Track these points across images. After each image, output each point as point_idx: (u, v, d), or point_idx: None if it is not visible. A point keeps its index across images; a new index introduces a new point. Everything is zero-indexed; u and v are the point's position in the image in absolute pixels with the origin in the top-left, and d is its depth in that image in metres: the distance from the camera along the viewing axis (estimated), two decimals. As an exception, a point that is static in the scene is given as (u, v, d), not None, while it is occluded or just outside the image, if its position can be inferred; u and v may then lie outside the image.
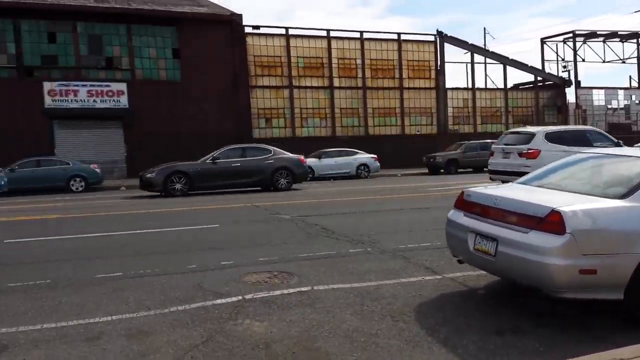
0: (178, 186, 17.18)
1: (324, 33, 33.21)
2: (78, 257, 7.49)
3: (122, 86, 27.57)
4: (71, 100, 26.57)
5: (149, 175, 17.50)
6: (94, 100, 26.96)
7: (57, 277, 6.19)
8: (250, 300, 5.07)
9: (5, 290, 5.67)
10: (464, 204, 5.15)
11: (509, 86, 39.23)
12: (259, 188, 18.47)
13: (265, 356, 3.79)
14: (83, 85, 26.75)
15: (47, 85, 26.18)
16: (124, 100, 27.48)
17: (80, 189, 21.59)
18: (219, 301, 5.05)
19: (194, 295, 5.28)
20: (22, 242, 8.84)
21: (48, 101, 26.19)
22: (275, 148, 19.45)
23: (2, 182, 19.50)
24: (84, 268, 6.69)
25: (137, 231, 9.74)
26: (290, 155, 19.28)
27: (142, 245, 8.33)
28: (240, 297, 5.15)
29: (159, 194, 17.35)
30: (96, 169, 22.45)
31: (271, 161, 18.37)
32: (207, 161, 17.91)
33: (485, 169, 17.59)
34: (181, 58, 28.91)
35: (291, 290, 5.37)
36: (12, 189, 20.48)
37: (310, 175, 23.07)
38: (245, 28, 30.82)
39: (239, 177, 17.93)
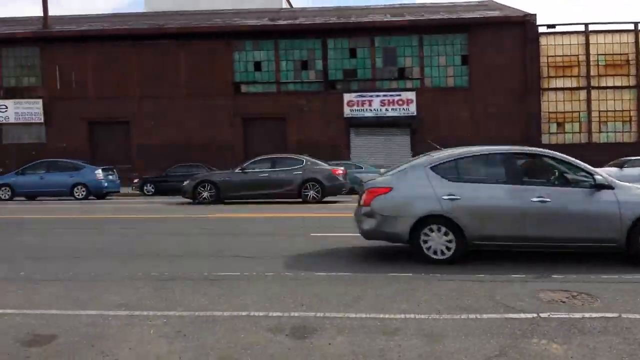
0: (205, 194, 17.59)
1: (631, 27, 29.35)
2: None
3: (411, 95, 28.86)
4: (366, 110, 28.90)
5: (184, 183, 18.34)
6: (386, 109, 28.82)
7: (358, 271, 6.77)
8: (546, 319, 4.74)
9: (316, 280, 6.42)
10: None
11: None
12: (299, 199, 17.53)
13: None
14: (377, 96, 28.86)
15: (347, 97, 28.99)
16: (412, 108, 28.72)
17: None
18: (512, 315, 4.86)
19: (485, 306, 5.17)
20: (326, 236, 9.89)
21: (347, 111, 28.96)
22: (310, 159, 18.61)
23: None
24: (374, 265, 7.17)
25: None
26: (323, 167, 18.24)
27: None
28: (535, 315, 4.86)
29: (191, 201, 17.90)
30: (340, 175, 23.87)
31: (300, 172, 17.67)
32: (237, 171, 18.04)
33: None
34: (470, 64, 28.90)
35: (594, 315, 4.85)
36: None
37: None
38: (539, 28, 29.19)
39: (267, 187, 17.56)
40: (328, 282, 6.24)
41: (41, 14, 32.17)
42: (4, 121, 29.90)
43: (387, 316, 4.88)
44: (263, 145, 29.13)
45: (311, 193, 17.53)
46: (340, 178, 18.04)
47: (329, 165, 18.88)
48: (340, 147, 28.87)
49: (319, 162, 18.64)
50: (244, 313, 5.00)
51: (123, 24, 32.49)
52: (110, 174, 22.82)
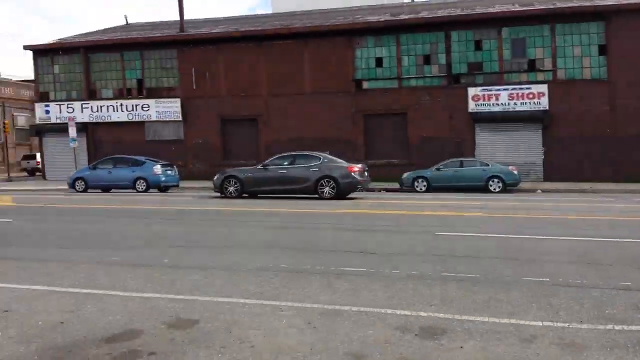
0: (231, 189, 18.48)
1: None
2: (504, 256, 7.73)
3: (543, 87, 27.21)
4: (492, 104, 27.72)
5: (214, 178, 19.21)
6: (514, 103, 27.44)
7: (485, 273, 6.53)
8: None
9: (441, 279, 6.29)
10: None
11: None
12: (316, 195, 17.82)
13: None
14: (505, 89, 27.55)
15: (471, 91, 28.00)
16: (543, 102, 27.09)
17: (498, 189, 22.32)
18: (665, 329, 4.42)
19: (633, 317, 4.76)
20: (452, 236, 9.66)
21: (472, 106, 27.98)
22: (329, 156, 18.81)
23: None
24: (510, 268, 6.86)
25: (569, 238, 9.41)
26: (340, 164, 18.34)
27: (567, 253, 8.01)
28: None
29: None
30: (513, 171, 22.84)
31: (316, 169, 18.08)
32: (259, 167, 18.97)
33: None
34: (609, 54, 26.65)
35: None
36: (436, 186, 22.83)
37: None
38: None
39: (286, 183, 18.18)
40: (457, 282, 6.08)
41: (178, 18, 34.59)
42: (146, 119, 32.53)
43: (522, 322, 4.66)
44: (383, 141, 29.10)
45: (327, 189, 17.82)
46: (357, 175, 18.05)
47: (358, 163, 19.12)
48: (464, 143, 28.01)
49: (337, 159, 18.75)
50: (371, 309, 5.02)
51: (251, 25, 33.96)
52: (169, 170, 24.19)
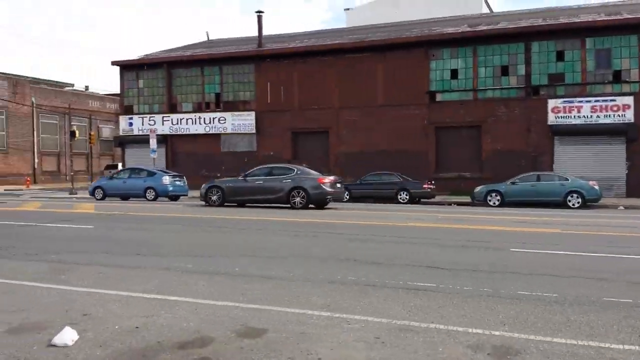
0: (214, 197, 19.67)
1: None
2: (583, 275, 7.34)
3: (629, 100, 25.87)
4: (574, 117, 26.59)
5: (202, 187, 20.35)
6: (597, 116, 26.20)
7: (563, 292, 6.22)
8: None
9: (515, 297, 6.05)
10: None
11: None
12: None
13: None
14: (587, 101, 26.38)
15: (551, 103, 26.99)
16: (628, 115, 25.73)
17: (577, 205, 21.33)
18: None
19: None
20: (528, 253, 9.28)
21: (551, 118, 26.95)
22: (303, 168, 20.13)
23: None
24: (589, 287, 6.51)
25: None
26: (313, 176, 19.39)
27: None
28: None
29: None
30: (594, 186, 21.76)
31: (289, 181, 19.10)
32: (239, 178, 20.26)
33: None
34: None
35: None
36: (510, 201, 22.09)
37: None
38: None
39: (262, 193, 19.32)
40: (531, 301, 5.83)
41: (255, 34, 35.58)
42: (222, 131, 33.59)
43: (602, 345, 4.39)
44: (455, 154, 28.55)
45: (298, 200, 18.85)
46: (326, 187, 19.05)
47: (324, 175, 20.20)
48: (541, 157, 26.96)
49: (311, 172, 19.86)
50: (441, 326, 4.89)
51: (326, 40, 34.38)
52: (178, 180, 25.64)
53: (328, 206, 20.14)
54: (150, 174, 25.41)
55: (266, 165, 21.30)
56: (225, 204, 19.80)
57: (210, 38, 43.60)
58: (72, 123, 48.85)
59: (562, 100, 26.89)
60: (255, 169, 20.83)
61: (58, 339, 4.42)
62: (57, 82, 56.56)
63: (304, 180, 19.12)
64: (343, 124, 30.96)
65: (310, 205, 19.03)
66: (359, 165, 28.81)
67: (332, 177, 19.93)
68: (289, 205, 19.01)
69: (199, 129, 34.02)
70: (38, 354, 4.22)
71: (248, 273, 7.36)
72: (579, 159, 26.66)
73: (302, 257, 8.75)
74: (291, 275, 7.21)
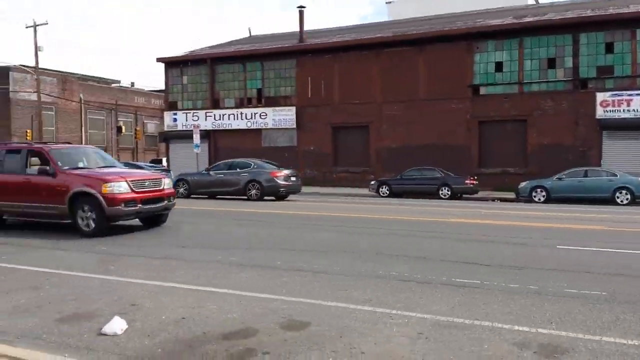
0: (181, 190, 20.65)
1: None
2: (632, 273, 7.12)
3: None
4: (623, 110, 25.67)
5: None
6: (649, 109, 25.22)
7: (612, 290, 6.07)
8: None
9: (563, 295, 5.92)
10: None
11: None
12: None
13: None
14: (637, 94, 25.41)
15: (599, 96, 26.12)
16: (684, 108, 24.63)
17: (626, 201, 20.64)
18: None
19: None
20: (575, 250, 9.06)
21: (599, 112, 26.09)
22: (261, 162, 21.28)
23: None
24: (639, 286, 6.32)
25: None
26: (267, 169, 20.60)
27: None
28: None
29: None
30: (644, 182, 20.99)
31: (246, 174, 20.38)
32: (203, 172, 21.67)
33: None
34: None
35: None
36: (556, 197, 21.54)
37: None
38: None
39: (223, 186, 20.61)
40: (580, 299, 5.70)
41: (297, 29, 35.69)
42: (264, 126, 33.87)
43: (654, 347, 4.26)
44: (499, 149, 27.99)
45: (253, 192, 20.06)
46: (279, 180, 20.23)
47: (280, 169, 21.12)
48: (589, 151, 26.17)
49: (267, 166, 20.99)
50: (486, 323, 4.84)
51: (367, 33, 34.19)
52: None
53: (289, 198, 21.51)
54: (162, 170, 26.87)
55: (228, 160, 22.57)
56: (192, 196, 20.94)
57: (252, 34, 43.98)
58: (118, 119, 50.12)
59: (610, 93, 25.98)
60: (219, 162, 22.23)
61: (108, 328, 4.61)
62: (104, 78, 58.19)
63: (258, 174, 20.35)
64: (384, 118, 30.75)
65: (267, 198, 20.17)
66: (400, 160, 28.58)
67: (286, 171, 21.04)
68: (245, 197, 20.22)
69: (240, 124, 34.40)
70: (88, 342, 4.39)
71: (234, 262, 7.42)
72: (628, 154, 25.71)
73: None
74: (337, 270, 7.23)
